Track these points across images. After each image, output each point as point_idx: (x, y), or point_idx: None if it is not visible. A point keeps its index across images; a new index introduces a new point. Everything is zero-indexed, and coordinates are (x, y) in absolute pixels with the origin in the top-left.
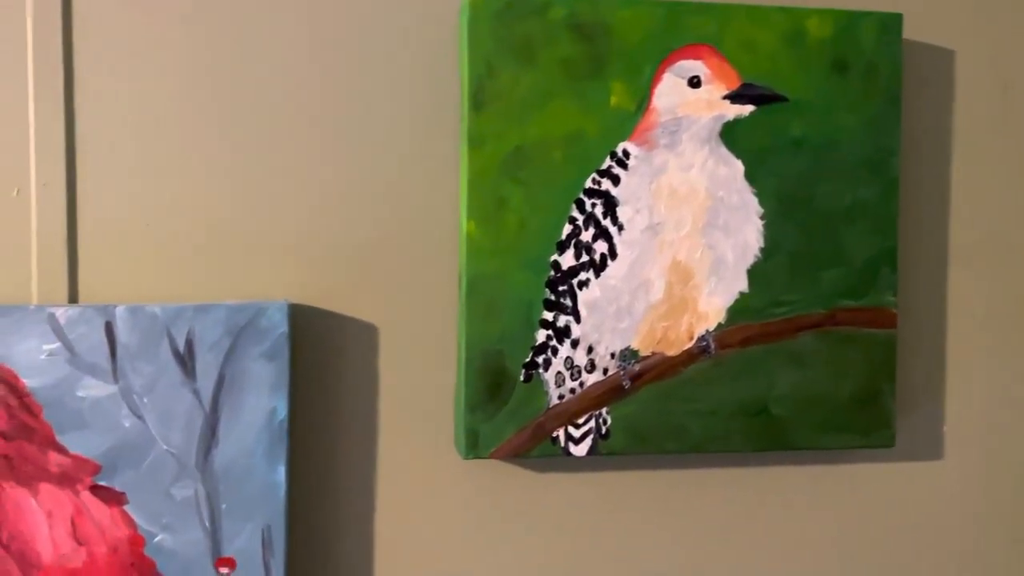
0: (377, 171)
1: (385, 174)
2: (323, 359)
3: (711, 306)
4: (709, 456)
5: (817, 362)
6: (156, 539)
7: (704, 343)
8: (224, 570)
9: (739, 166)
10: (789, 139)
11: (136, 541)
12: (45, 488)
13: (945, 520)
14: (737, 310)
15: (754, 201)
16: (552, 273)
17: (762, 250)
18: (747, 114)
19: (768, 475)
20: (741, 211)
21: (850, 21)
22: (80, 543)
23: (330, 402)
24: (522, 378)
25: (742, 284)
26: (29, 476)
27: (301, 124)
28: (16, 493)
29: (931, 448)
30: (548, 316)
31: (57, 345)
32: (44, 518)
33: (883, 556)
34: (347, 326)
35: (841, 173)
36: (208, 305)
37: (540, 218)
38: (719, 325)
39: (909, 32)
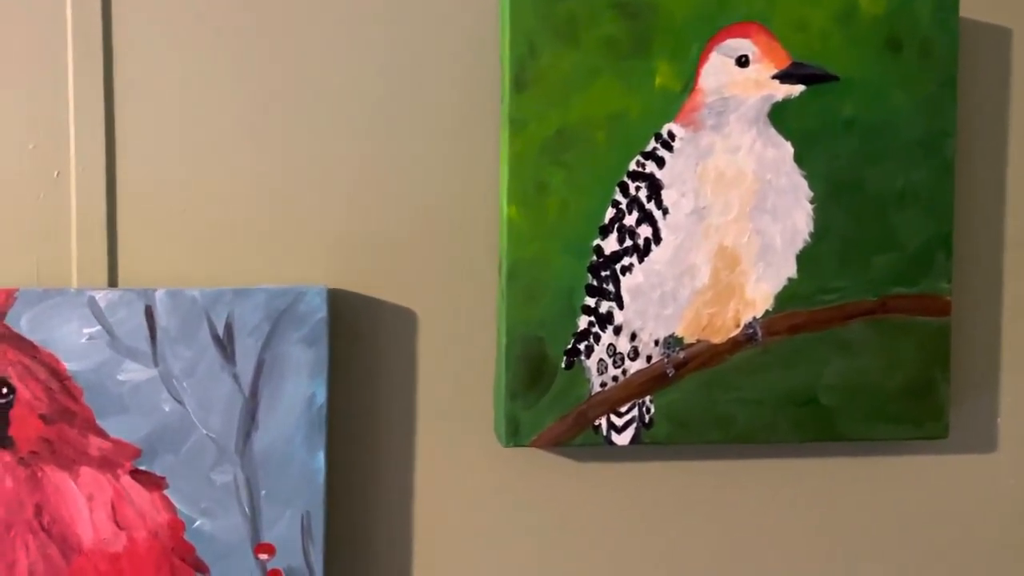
0: (416, 154)
1: (424, 157)
2: (361, 345)
3: (759, 292)
4: (755, 446)
5: (868, 351)
6: (196, 524)
7: (751, 330)
8: (263, 556)
9: (788, 148)
10: (840, 120)
11: (176, 526)
12: (86, 472)
13: (998, 513)
14: (785, 297)
15: (804, 184)
16: (594, 258)
17: (812, 235)
18: (797, 94)
19: (816, 466)
20: (790, 194)
21: None
22: (120, 527)
23: (369, 388)
24: (563, 365)
25: (791, 270)
26: (70, 460)
27: (340, 107)
28: (57, 477)
29: (985, 440)
30: (590, 302)
31: (97, 328)
32: (85, 502)
33: (935, 549)
34: (386, 312)
35: (894, 155)
36: (247, 289)
37: (582, 202)
38: (767, 312)
39: (965, 10)
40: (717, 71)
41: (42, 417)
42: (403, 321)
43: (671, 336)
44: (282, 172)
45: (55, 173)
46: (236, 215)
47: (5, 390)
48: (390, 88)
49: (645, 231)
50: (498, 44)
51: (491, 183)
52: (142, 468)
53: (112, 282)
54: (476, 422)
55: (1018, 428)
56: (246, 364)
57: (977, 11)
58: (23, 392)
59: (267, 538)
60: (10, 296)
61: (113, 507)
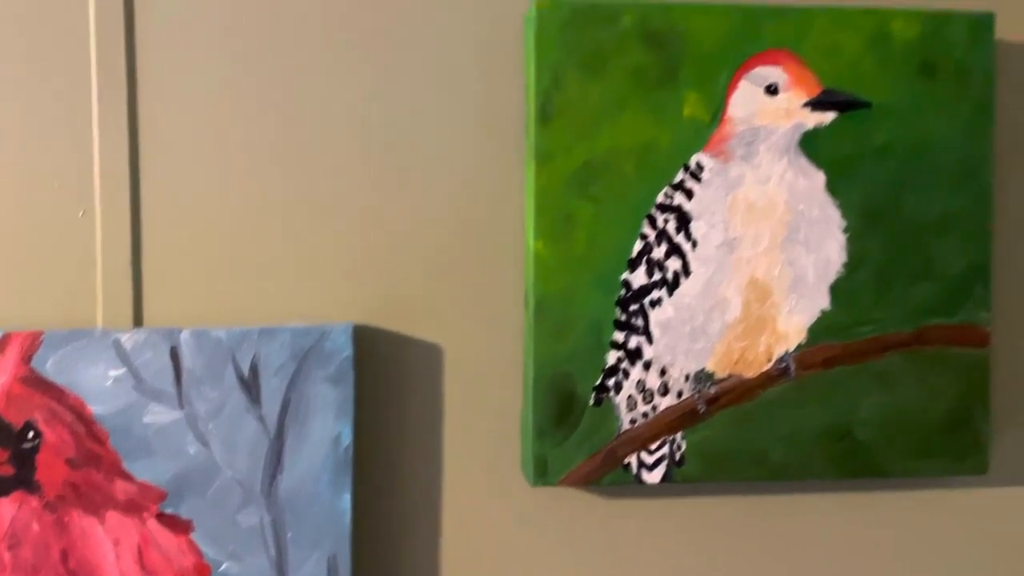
0: (441, 188)
1: (449, 191)
2: (388, 381)
3: (791, 325)
4: (790, 483)
5: (905, 384)
6: (222, 567)
7: (784, 364)
8: None
9: (820, 177)
10: (874, 147)
11: (202, 570)
12: (112, 516)
13: None
14: (819, 329)
15: (836, 214)
16: (623, 292)
17: (845, 265)
18: (828, 122)
19: (854, 502)
20: (822, 224)
21: (938, 22)
22: (147, 572)
23: (395, 425)
24: (592, 402)
25: (824, 302)
26: (96, 504)
27: (363, 142)
28: (84, 521)
29: None
30: (619, 337)
31: (123, 371)
32: (111, 547)
33: None
34: (412, 347)
35: (930, 182)
36: (273, 329)
37: (610, 235)
38: (800, 345)
39: (1003, 32)
40: (746, 100)
41: (68, 461)
42: (429, 356)
43: (702, 371)
44: (307, 208)
45: (80, 212)
46: (263, 252)
47: (32, 434)
48: (414, 122)
49: (674, 264)
50: (523, 76)
51: (517, 216)
52: (168, 512)
53: (138, 321)
54: (504, 460)
55: None
56: (272, 404)
57: (1016, 33)
58: (49, 436)
59: None
60: (36, 339)
61: (140, 552)
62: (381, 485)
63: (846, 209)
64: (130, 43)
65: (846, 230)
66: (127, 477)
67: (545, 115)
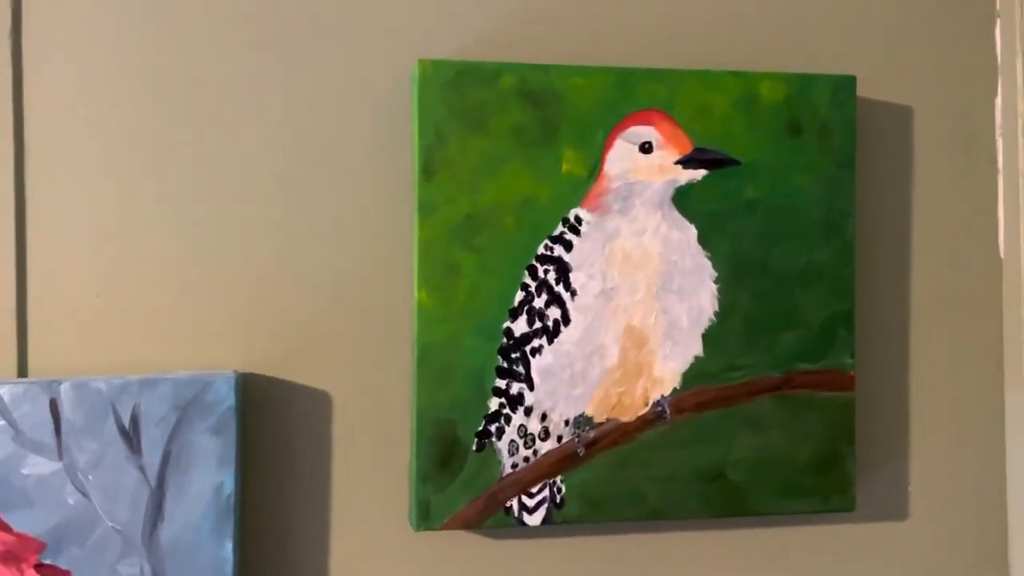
0: (331, 238)
1: (340, 240)
2: (275, 428)
3: (666, 371)
4: (666, 522)
5: (775, 426)
6: None
7: (659, 408)
8: None
9: (692, 230)
10: (743, 202)
11: None
12: None
13: None
14: (693, 374)
15: (708, 265)
16: (504, 340)
17: (717, 314)
18: (699, 178)
19: (728, 539)
20: (695, 275)
21: (803, 84)
22: None
23: (282, 473)
24: (475, 447)
25: (697, 348)
26: None
27: (253, 191)
28: None
29: (894, 509)
30: (501, 384)
31: (2, 423)
32: None
33: None
34: (300, 394)
35: (796, 235)
36: (154, 380)
37: (492, 285)
38: (674, 390)
39: (866, 90)
40: (622, 157)
41: None
42: (317, 403)
43: (581, 415)
44: (194, 256)
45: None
46: (148, 301)
47: None
48: (305, 173)
49: (554, 313)
50: (411, 132)
51: (405, 267)
52: (47, 562)
53: (22, 372)
54: (392, 506)
55: (926, 496)
56: (152, 455)
57: (878, 91)
58: None
59: None
60: None
61: None
62: (268, 532)
63: (717, 260)
64: (17, 92)
65: (717, 280)
66: (5, 528)
67: (429, 170)
